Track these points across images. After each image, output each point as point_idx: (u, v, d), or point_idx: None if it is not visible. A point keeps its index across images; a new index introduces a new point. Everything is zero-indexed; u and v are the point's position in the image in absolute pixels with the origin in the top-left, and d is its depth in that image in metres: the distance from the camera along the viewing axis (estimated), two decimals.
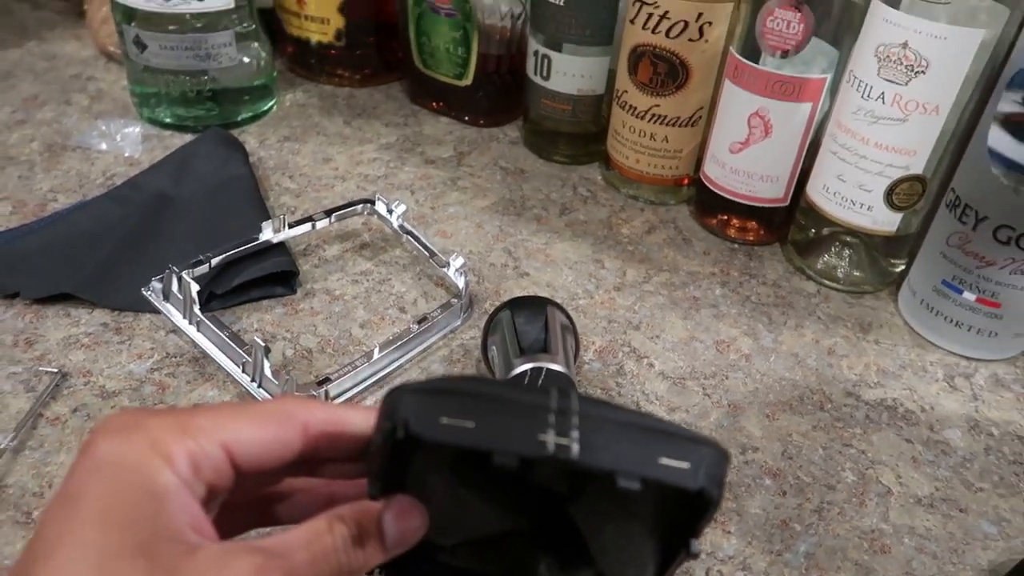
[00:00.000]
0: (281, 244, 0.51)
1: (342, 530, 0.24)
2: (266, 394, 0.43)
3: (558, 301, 0.47)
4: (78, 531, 0.20)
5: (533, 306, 0.44)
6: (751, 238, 0.59)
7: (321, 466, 0.26)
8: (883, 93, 0.47)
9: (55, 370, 0.43)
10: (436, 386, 0.24)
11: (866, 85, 0.48)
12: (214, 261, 0.47)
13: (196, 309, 0.45)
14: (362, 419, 0.26)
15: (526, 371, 0.40)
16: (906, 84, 0.46)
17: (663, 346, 0.50)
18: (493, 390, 0.24)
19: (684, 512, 0.24)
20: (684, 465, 0.23)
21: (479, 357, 0.47)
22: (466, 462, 0.25)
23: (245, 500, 0.26)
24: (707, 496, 0.23)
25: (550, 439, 0.23)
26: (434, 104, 0.72)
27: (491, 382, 0.26)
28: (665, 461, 0.23)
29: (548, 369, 0.40)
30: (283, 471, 0.25)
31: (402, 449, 0.24)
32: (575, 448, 0.23)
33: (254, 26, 0.65)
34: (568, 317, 0.45)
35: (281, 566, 0.22)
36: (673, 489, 0.23)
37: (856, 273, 0.55)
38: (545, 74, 0.63)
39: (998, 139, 0.45)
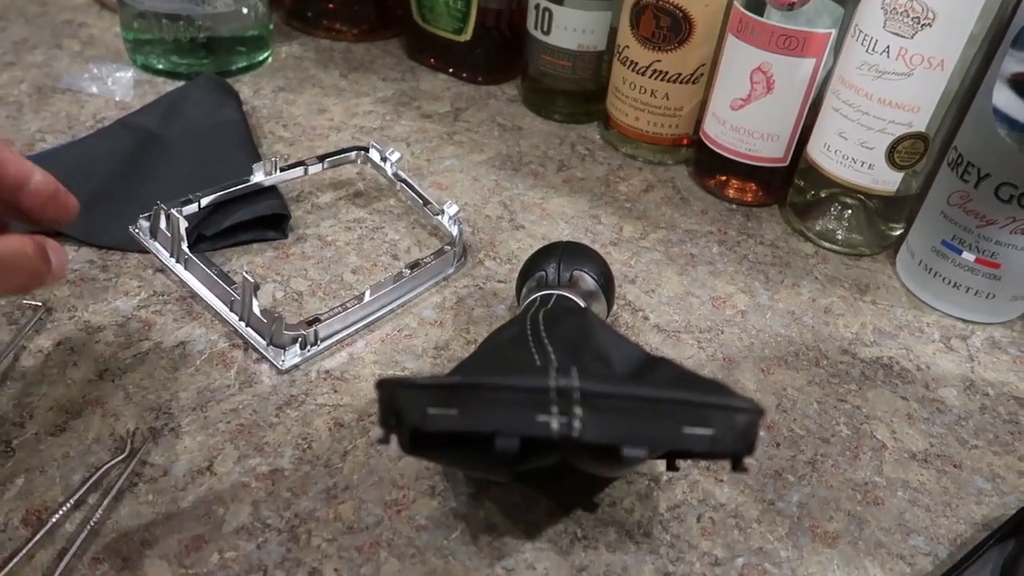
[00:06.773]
0: (273, 188, 0.50)
1: (32, 243, 0.30)
2: (254, 333, 0.42)
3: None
4: None
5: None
6: (749, 199, 0.59)
7: None
8: (888, 47, 0.47)
9: (39, 303, 0.42)
10: (429, 381, 0.25)
11: (871, 39, 0.47)
12: (204, 201, 0.46)
13: (184, 247, 0.44)
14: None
15: (535, 298, 0.40)
16: (912, 37, 0.46)
17: (658, 300, 0.49)
18: (487, 380, 0.24)
19: None
20: (707, 432, 0.24)
21: (472, 306, 0.47)
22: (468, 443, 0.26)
23: None
24: (740, 458, 0.25)
25: (553, 420, 0.23)
26: (432, 60, 0.71)
27: (487, 372, 0.27)
28: (688, 430, 0.24)
29: (559, 295, 0.40)
30: None
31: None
32: (577, 426, 0.23)
33: None
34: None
35: None
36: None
37: (855, 236, 0.54)
38: (546, 28, 0.62)
39: (1004, 98, 0.44)
